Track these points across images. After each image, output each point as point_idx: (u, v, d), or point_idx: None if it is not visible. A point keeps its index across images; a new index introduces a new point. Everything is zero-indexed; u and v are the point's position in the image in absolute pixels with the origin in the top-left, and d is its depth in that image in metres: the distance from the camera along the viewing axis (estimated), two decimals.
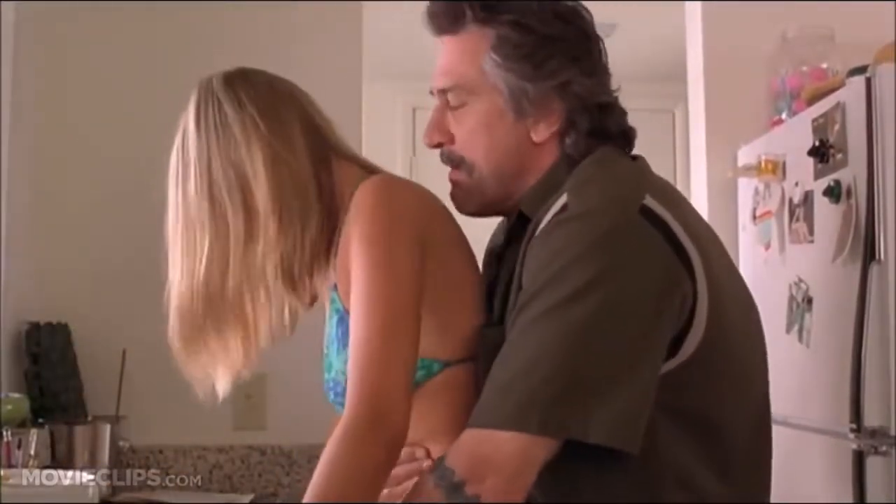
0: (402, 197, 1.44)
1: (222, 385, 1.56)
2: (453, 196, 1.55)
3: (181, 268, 1.51)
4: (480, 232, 1.62)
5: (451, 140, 1.51)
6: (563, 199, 1.36)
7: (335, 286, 1.49)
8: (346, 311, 1.44)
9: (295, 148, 1.50)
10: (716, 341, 1.33)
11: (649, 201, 1.33)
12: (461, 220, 1.54)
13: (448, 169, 1.55)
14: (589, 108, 1.47)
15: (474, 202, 1.52)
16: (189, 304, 1.50)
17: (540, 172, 1.48)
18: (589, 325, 1.26)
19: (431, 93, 1.55)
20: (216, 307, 1.49)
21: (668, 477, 1.32)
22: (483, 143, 1.48)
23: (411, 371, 1.33)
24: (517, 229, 1.48)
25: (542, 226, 1.37)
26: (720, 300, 1.34)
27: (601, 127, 1.48)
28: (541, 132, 1.47)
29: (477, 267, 1.53)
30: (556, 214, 1.35)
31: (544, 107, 1.46)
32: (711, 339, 1.32)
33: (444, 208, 1.51)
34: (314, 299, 1.57)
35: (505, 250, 1.53)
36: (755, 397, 1.44)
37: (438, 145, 1.53)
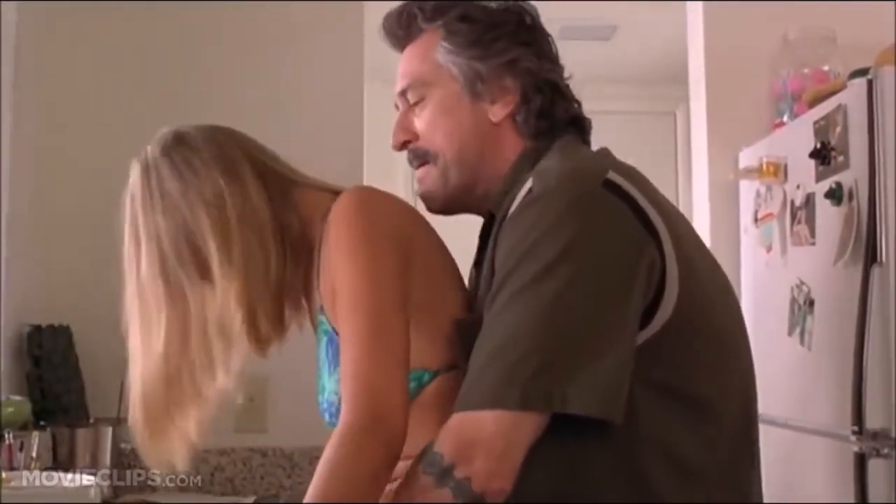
0: (379, 204, 1.44)
1: (181, 460, 1.54)
2: (422, 196, 1.59)
3: (140, 348, 1.53)
4: (467, 243, 1.62)
5: (416, 136, 1.56)
6: (528, 184, 1.37)
7: (321, 308, 1.48)
8: (336, 332, 1.43)
9: (248, 195, 1.50)
10: (690, 312, 1.33)
11: (612, 175, 1.34)
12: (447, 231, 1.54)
13: None
14: (541, 86, 1.53)
15: (440, 194, 1.56)
16: (151, 386, 1.50)
17: (500, 155, 1.52)
18: (561, 298, 1.26)
19: (396, 106, 1.61)
20: (176, 385, 1.49)
21: (650, 448, 1.31)
22: (443, 129, 1.54)
23: (405, 370, 1.34)
24: (488, 229, 1.50)
25: (510, 212, 1.38)
26: (691, 273, 1.34)
27: (551, 108, 1.53)
28: (497, 112, 1.53)
29: (459, 275, 1.54)
30: (522, 199, 1.36)
31: (498, 86, 1.52)
32: (685, 310, 1.32)
33: (423, 217, 1.51)
34: (284, 333, 1.57)
35: (481, 253, 1.53)
36: (740, 371, 1.44)
37: (404, 144, 1.58)
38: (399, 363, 1.33)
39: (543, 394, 1.23)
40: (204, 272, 1.49)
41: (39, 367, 2.47)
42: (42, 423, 2.36)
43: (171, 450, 1.53)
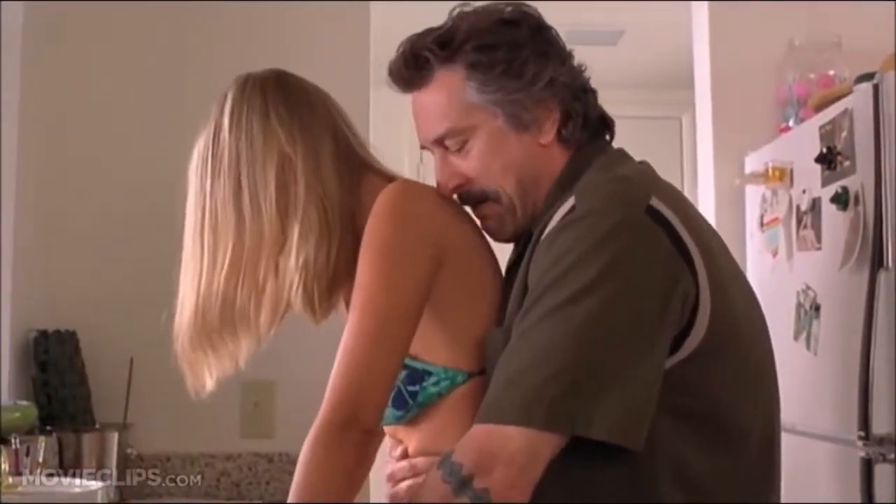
0: (417, 204, 1.45)
1: (209, 385, 1.57)
2: (486, 229, 1.54)
3: (199, 266, 1.52)
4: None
5: (467, 179, 1.51)
6: (570, 202, 1.37)
7: None
8: None
9: (322, 166, 1.51)
10: (719, 339, 1.34)
11: (655, 202, 1.34)
12: None
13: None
14: (577, 94, 1.50)
15: (509, 227, 1.52)
16: (205, 306, 1.51)
17: (554, 173, 1.49)
18: (594, 322, 1.27)
19: (423, 148, 1.56)
20: (229, 313, 1.50)
21: (665, 474, 1.32)
22: (497, 168, 1.48)
23: (391, 382, 1.38)
24: (525, 243, 1.49)
25: (549, 227, 1.38)
26: (724, 300, 1.35)
27: (590, 113, 1.51)
28: (546, 134, 1.49)
29: (500, 274, 1.53)
30: (564, 216, 1.36)
31: (542, 109, 1.48)
32: (715, 337, 1.33)
33: (466, 214, 1.52)
34: (327, 315, 1.58)
35: (515, 264, 1.53)
36: (764, 390, 1.44)
37: (457, 188, 1.52)
38: (389, 371, 1.37)
39: (568, 416, 1.24)
40: (270, 216, 1.49)
41: (46, 373, 2.47)
42: (48, 428, 2.36)
43: (206, 371, 1.55)
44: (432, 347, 1.44)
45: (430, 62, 1.48)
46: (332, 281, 1.51)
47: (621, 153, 1.53)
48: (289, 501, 1.34)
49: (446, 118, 1.49)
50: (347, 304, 1.57)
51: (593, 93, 1.54)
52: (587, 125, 1.51)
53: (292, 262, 1.48)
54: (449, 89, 1.48)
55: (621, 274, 1.29)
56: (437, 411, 1.46)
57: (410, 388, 1.45)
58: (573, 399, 1.24)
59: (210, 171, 1.52)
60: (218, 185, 1.51)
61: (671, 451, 1.32)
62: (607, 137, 1.57)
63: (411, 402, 1.46)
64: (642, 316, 1.29)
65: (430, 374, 1.44)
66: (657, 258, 1.31)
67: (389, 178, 1.57)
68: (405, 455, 1.51)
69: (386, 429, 1.54)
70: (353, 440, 1.33)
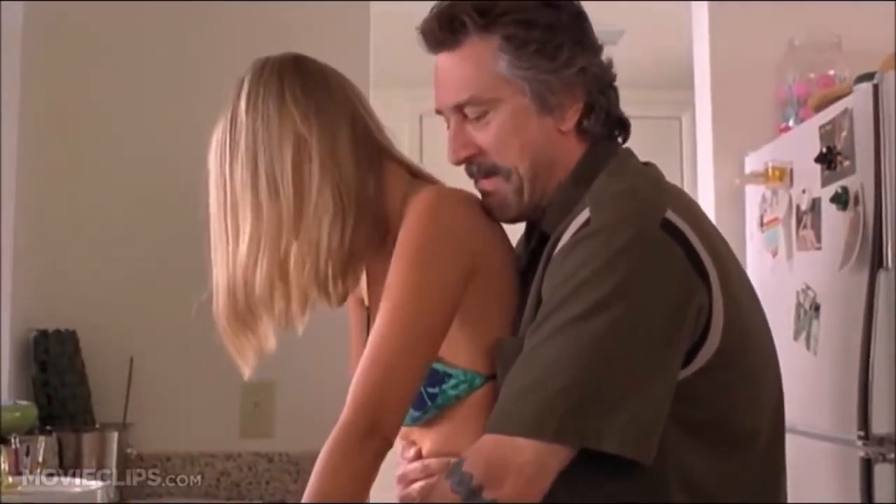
0: (455, 214, 1.45)
1: (251, 365, 1.57)
2: (487, 206, 1.52)
3: (224, 247, 1.52)
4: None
5: (480, 151, 1.49)
6: (585, 214, 1.36)
7: None
8: None
9: (338, 148, 1.50)
10: (731, 350, 1.34)
11: (670, 215, 1.34)
12: None
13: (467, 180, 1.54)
14: (604, 88, 1.49)
15: (513, 208, 1.50)
16: (233, 286, 1.51)
17: (569, 163, 1.48)
18: (607, 337, 1.27)
19: (439, 112, 1.54)
20: (252, 293, 1.50)
21: (675, 484, 1.32)
22: (515, 145, 1.47)
23: (414, 391, 1.38)
24: (539, 251, 1.48)
25: (564, 240, 1.37)
26: (736, 310, 1.35)
27: (613, 110, 1.50)
28: (567, 121, 1.47)
29: (519, 280, 1.52)
30: (579, 229, 1.36)
31: (568, 95, 1.46)
32: (726, 347, 1.33)
33: (498, 227, 1.51)
34: (343, 300, 1.57)
35: (527, 270, 1.53)
36: (770, 395, 1.45)
37: (466, 159, 1.50)
38: (413, 380, 1.38)
39: (578, 429, 1.25)
40: (285, 196, 1.49)
41: (45, 372, 2.47)
42: (48, 427, 2.36)
43: (247, 352, 1.55)
44: (454, 350, 1.44)
45: (466, 26, 1.46)
46: (347, 263, 1.50)
47: (628, 153, 1.52)
48: (305, 499, 1.34)
49: (471, 86, 1.47)
50: (365, 292, 1.58)
51: (616, 91, 1.52)
52: (608, 121, 1.50)
53: (305, 243, 1.48)
54: (480, 57, 1.46)
55: (635, 290, 1.29)
56: (454, 414, 1.46)
57: (430, 389, 1.45)
58: (584, 412, 1.25)
59: (229, 154, 1.52)
60: (236, 168, 1.51)
61: (680, 462, 1.32)
62: (620, 139, 1.55)
63: (430, 404, 1.46)
64: (655, 332, 1.29)
65: (450, 376, 1.45)
66: (672, 274, 1.31)
67: (407, 165, 1.57)
68: (418, 456, 1.52)
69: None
70: (373, 448, 1.34)
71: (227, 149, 1.53)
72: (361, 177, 1.51)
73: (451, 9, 1.47)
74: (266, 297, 1.50)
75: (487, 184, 1.50)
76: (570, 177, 1.47)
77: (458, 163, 1.51)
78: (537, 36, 1.44)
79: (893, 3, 2.79)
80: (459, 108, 1.49)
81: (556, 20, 1.46)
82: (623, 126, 1.54)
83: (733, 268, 1.42)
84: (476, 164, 1.50)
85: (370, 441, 1.33)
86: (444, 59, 1.50)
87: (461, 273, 1.41)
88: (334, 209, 1.48)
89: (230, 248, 1.51)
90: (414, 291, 1.39)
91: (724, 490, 1.35)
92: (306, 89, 1.53)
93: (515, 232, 1.60)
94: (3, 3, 2.40)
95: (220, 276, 1.53)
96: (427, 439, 1.51)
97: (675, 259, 1.31)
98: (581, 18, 1.50)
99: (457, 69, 1.48)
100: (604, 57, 1.52)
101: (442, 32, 1.48)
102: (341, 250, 1.49)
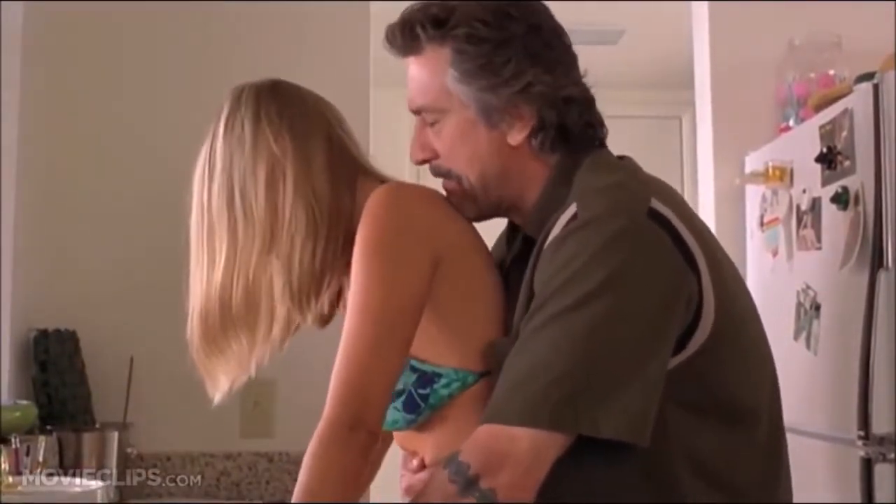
0: (412, 205, 1.46)
1: (221, 390, 1.59)
2: (452, 203, 1.54)
3: (201, 270, 1.54)
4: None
5: (435, 154, 1.52)
6: (572, 209, 1.38)
7: None
8: None
9: (312, 167, 1.52)
10: (724, 333, 1.35)
11: (655, 203, 1.35)
12: None
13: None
14: (555, 104, 1.47)
15: (470, 209, 1.53)
16: (206, 308, 1.53)
17: (524, 174, 1.49)
18: (599, 326, 1.28)
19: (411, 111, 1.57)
20: (227, 314, 1.52)
21: (684, 467, 1.34)
22: (463, 155, 1.49)
23: (392, 382, 1.39)
24: (523, 252, 1.49)
25: (552, 234, 1.38)
26: (726, 293, 1.37)
27: (566, 122, 1.48)
28: (515, 135, 1.48)
29: (496, 272, 1.53)
30: (567, 223, 1.37)
31: (513, 113, 1.47)
32: (720, 330, 1.35)
33: (458, 215, 1.52)
34: (327, 320, 1.59)
35: (510, 269, 1.54)
36: (766, 373, 1.47)
37: (424, 161, 1.54)
38: (390, 371, 1.38)
39: (573, 416, 1.26)
40: (258, 217, 1.51)
41: (46, 372, 2.47)
42: (48, 427, 2.36)
43: (219, 375, 1.57)
44: (440, 350, 1.45)
45: (420, 38, 1.49)
46: (320, 280, 1.52)
47: (601, 150, 1.51)
48: (293, 502, 1.35)
49: (426, 94, 1.50)
50: (346, 306, 1.57)
51: (583, 102, 1.50)
52: (564, 134, 1.48)
53: (278, 261, 1.51)
54: (433, 67, 1.49)
55: (627, 279, 1.30)
56: (449, 415, 1.46)
57: (421, 391, 1.46)
58: (578, 399, 1.26)
59: (207, 178, 1.55)
60: (213, 190, 1.54)
61: (685, 443, 1.34)
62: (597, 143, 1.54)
63: (423, 405, 1.46)
64: (647, 320, 1.30)
65: (440, 376, 1.45)
66: (662, 263, 1.32)
67: (385, 180, 1.57)
68: (422, 467, 1.52)
69: (398, 439, 1.56)
70: (359, 441, 1.34)
71: (205, 172, 1.56)
72: (337, 195, 1.53)
73: (411, 17, 1.50)
74: (242, 316, 1.52)
75: (446, 185, 1.54)
76: (549, 182, 1.48)
77: (417, 163, 1.55)
78: (486, 51, 1.45)
79: (893, 3, 2.80)
80: (419, 112, 1.53)
81: (508, 36, 1.46)
82: (596, 132, 1.52)
83: (718, 251, 1.44)
84: (433, 167, 1.54)
85: (355, 434, 1.34)
86: (411, 64, 1.53)
87: (425, 261, 1.41)
88: (307, 227, 1.50)
89: (206, 271, 1.54)
90: (378, 283, 1.39)
91: (730, 468, 1.37)
92: (281, 110, 1.55)
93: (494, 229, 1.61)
94: (3, 3, 2.40)
95: (195, 299, 1.55)
96: (427, 445, 1.51)
97: (665, 248, 1.33)
98: (540, 31, 1.49)
99: (418, 75, 1.52)
100: (584, 62, 1.51)
101: (403, 39, 1.51)
102: (312, 267, 1.51)
